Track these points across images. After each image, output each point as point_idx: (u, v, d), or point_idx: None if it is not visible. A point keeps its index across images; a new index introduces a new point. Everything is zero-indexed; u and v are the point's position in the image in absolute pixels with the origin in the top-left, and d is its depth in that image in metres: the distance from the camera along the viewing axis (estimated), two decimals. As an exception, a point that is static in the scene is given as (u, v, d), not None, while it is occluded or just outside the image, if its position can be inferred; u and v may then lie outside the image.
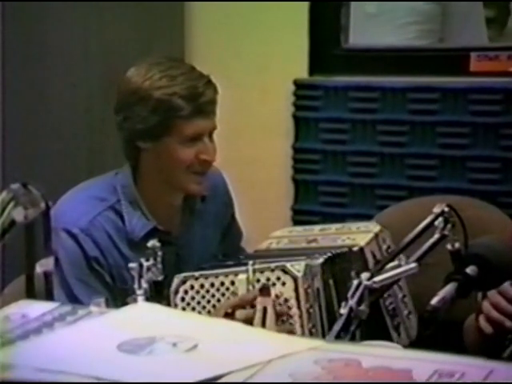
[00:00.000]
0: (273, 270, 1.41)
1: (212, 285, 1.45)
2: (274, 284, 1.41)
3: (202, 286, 1.45)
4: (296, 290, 1.41)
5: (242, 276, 1.42)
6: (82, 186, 1.74)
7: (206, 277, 1.46)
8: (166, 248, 1.59)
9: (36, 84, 2.35)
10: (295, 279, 1.41)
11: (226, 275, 1.45)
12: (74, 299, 1.62)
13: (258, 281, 1.42)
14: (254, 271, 1.42)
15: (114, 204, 1.67)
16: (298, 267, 1.42)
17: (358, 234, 1.61)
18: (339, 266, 1.55)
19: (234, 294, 1.43)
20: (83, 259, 1.64)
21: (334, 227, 1.71)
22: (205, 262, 1.67)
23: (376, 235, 1.60)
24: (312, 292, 1.44)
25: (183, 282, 1.46)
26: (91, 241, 1.64)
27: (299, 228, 1.77)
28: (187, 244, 1.73)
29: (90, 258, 1.64)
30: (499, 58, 2.37)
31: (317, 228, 1.71)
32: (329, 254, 1.52)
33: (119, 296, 1.61)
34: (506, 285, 1.35)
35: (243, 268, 1.44)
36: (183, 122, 1.62)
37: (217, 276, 1.46)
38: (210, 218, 1.79)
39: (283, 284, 1.41)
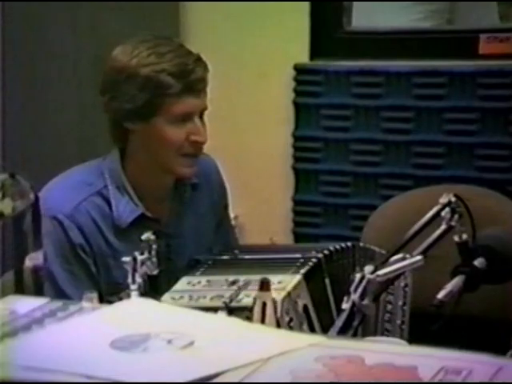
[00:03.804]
0: (250, 310, 1.38)
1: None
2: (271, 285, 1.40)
3: None
4: (278, 326, 1.38)
5: (222, 315, 1.42)
6: (69, 171, 1.74)
7: (197, 299, 1.47)
8: (158, 237, 1.58)
9: (32, 77, 2.36)
10: (277, 321, 1.37)
11: (208, 310, 1.44)
12: (57, 288, 1.62)
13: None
14: (232, 310, 1.41)
15: (101, 189, 1.67)
16: (274, 305, 1.35)
17: None
18: (342, 261, 1.55)
19: None
20: (68, 246, 1.64)
21: None
22: (198, 254, 1.67)
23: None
24: (297, 317, 1.43)
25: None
26: (76, 227, 1.63)
27: None
28: (178, 234, 1.72)
29: (75, 245, 1.64)
30: (510, 40, 2.36)
31: None
32: (322, 254, 1.52)
33: (105, 288, 1.61)
34: None
35: (221, 303, 1.43)
36: (173, 101, 1.61)
37: (204, 297, 1.46)
38: (204, 208, 1.78)
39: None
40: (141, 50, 1.63)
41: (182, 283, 1.52)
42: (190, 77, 1.62)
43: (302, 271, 1.48)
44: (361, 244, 1.64)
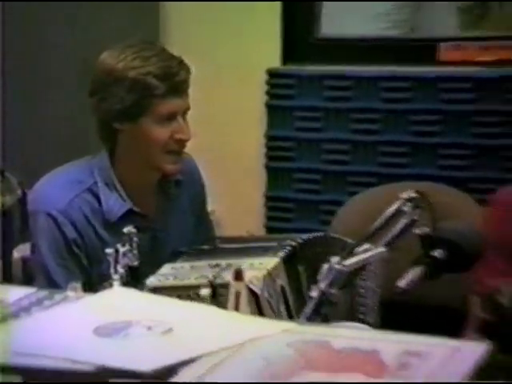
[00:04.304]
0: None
1: (179, 296, 1.45)
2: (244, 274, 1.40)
3: (169, 296, 1.46)
4: (257, 303, 1.40)
5: (205, 291, 1.42)
6: (60, 169, 1.75)
7: (175, 288, 1.46)
8: (142, 232, 1.59)
9: (32, 77, 2.35)
10: (256, 296, 1.40)
11: (192, 288, 1.44)
12: (52, 282, 1.62)
13: (221, 295, 1.41)
14: (216, 286, 1.42)
15: (91, 186, 1.68)
16: (257, 282, 1.40)
17: None
18: (314, 250, 1.56)
19: None
20: (62, 242, 1.64)
21: None
22: (181, 247, 1.68)
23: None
24: (275, 297, 1.44)
25: (152, 291, 1.46)
26: (70, 223, 1.64)
27: None
28: (163, 228, 1.74)
29: (69, 240, 1.64)
30: (468, 48, 2.40)
31: None
32: (298, 242, 1.53)
33: (96, 279, 1.62)
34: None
35: (207, 279, 1.44)
36: (158, 101, 1.64)
37: (183, 288, 1.46)
38: (186, 203, 1.79)
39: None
40: (127, 54, 1.65)
41: (167, 268, 1.53)
42: (174, 79, 1.65)
43: (281, 254, 1.49)
44: (333, 235, 1.66)
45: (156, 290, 1.46)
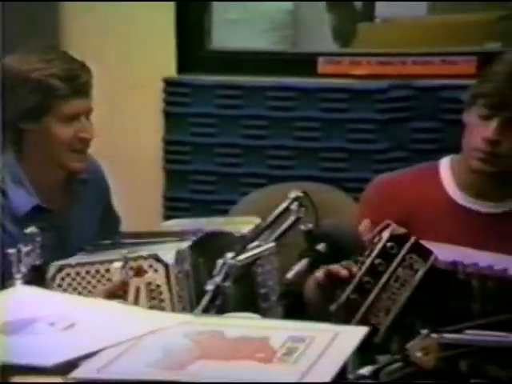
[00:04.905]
0: (146, 259, 1.38)
1: (87, 272, 1.41)
2: (146, 271, 1.38)
3: (77, 273, 1.41)
4: (167, 276, 1.39)
5: (117, 264, 1.38)
6: None
7: (82, 265, 1.42)
8: (48, 230, 1.54)
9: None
10: (167, 266, 1.39)
11: (102, 263, 1.41)
12: None
13: (132, 268, 1.39)
14: (128, 260, 1.39)
15: None
16: (169, 255, 1.39)
17: (242, 225, 1.63)
18: (212, 245, 1.55)
19: (109, 280, 1.39)
20: None
21: (220, 219, 1.73)
22: (85, 243, 1.64)
23: (257, 226, 1.61)
24: (182, 275, 1.42)
25: (60, 269, 1.41)
26: None
27: (187, 220, 1.77)
28: (69, 225, 1.70)
29: None
30: (342, 63, 2.47)
31: (204, 220, 1.72)
32: (200, 235, 1.52)
33: (6, 276, 1.55)
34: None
35: (118, 256, 1.41)
36: (62, 102, 1.62)
37: (92, 264, 1.41)
38: (90, 201, 1.77)
39: (155, 271, 1.38)
40: (31, 57, 1.63)
41: (73, 258, 1.48)
42: (77, 80, 1.63)
43: (188, 243, 1.46)
44: (232, 231, 1.65)
45: (63, 268, 1.40)
